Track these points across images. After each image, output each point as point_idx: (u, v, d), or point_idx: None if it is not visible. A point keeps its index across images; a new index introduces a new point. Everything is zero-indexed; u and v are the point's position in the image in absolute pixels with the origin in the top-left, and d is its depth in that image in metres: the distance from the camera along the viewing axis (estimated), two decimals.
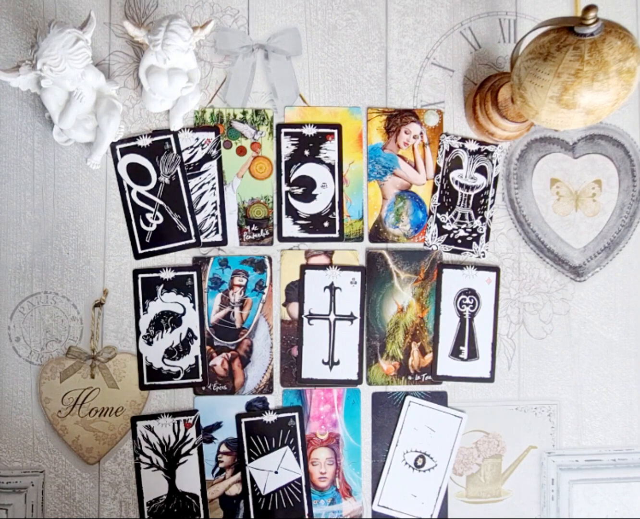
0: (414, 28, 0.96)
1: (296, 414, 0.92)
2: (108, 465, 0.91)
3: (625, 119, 0.98)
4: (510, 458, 0.95)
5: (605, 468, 0.97)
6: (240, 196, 0.93)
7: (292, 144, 0.94)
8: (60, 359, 0.91)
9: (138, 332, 0.91)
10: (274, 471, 0.92)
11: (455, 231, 0.95)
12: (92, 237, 0.92)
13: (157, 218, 0.92)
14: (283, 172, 0.94)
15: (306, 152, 0.94)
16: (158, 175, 0.92)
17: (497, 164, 0.96)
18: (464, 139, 0.95)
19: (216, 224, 0.93)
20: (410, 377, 0.94)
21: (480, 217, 0.95)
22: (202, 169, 0.93)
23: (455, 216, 0.95)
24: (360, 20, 0.96)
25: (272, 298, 0.93)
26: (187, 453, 0.91)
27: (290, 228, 0.94)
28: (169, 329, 0.91)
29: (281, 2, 0.95)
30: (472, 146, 0.95)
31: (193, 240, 0.92)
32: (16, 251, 0.91)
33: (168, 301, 0.91)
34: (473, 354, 0.95)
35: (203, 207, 0.93)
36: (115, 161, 0.92)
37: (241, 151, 0.93)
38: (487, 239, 0.95)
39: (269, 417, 0.92)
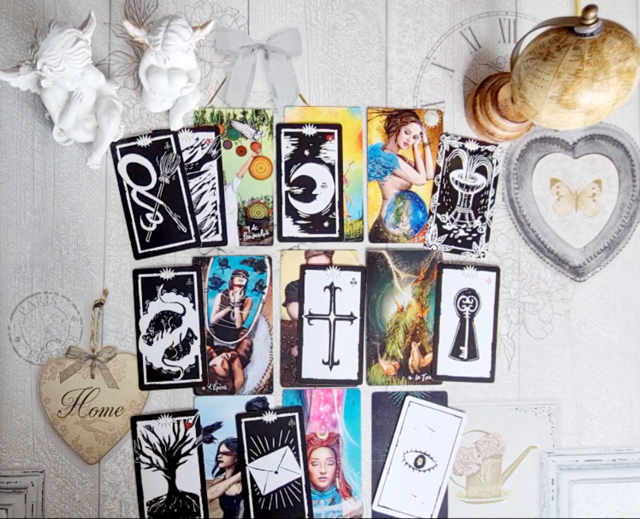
0: (414, 28, 0.96)
1: (296, 414, 0.92)
2: (108, 465, 0.91)
3: (625, 119, 0.98)
4: (510, 458, 0.95)
5: (605, 468, 0.97)
6: (240, 196, 0.93)
7: (292, 144, 0.94)
8: (60, 359, 0.91)
9: (138, 332, 0.91)
10: (274, 471, 0.92)
11: (455, 231, 0.95)
12: (92, 237, 0.92)
13: (157, 218, 0.92)
14: (283, 172, 0.94)
15: (306, 152, 0.94)
16: (158, 175, 0.92)
17: (497, 164, 0.96)
18: (464, 139, 0.95)
19: (216, 224, 0.93)
20: (410, 378, 0.94)
21: (480, 217, 0.95)
22: (202, 169, 0.93)
23: (455, 216, 0.95)
24: (360, 20, 0.95)
25: (272, 298, 0.93)
26: (187, 453, 0.91)
27: (290, 228, 0.93)
28: (169, 329, 0.91)
29: (281, 2, 0.95)
30: (472, 146, 0.95)
31: (193, 240, 0.92)
32: (16, 251, 0.91)
33: (168, 301, 0.91)
34: (473, 354, 0.94)
35: (203, 207, 0.93)
36: (115, 161, 0.92)
37: (241, 151, 0.93)
38: (487, 239, 0.95)
39: (269, 417, 0.92)
